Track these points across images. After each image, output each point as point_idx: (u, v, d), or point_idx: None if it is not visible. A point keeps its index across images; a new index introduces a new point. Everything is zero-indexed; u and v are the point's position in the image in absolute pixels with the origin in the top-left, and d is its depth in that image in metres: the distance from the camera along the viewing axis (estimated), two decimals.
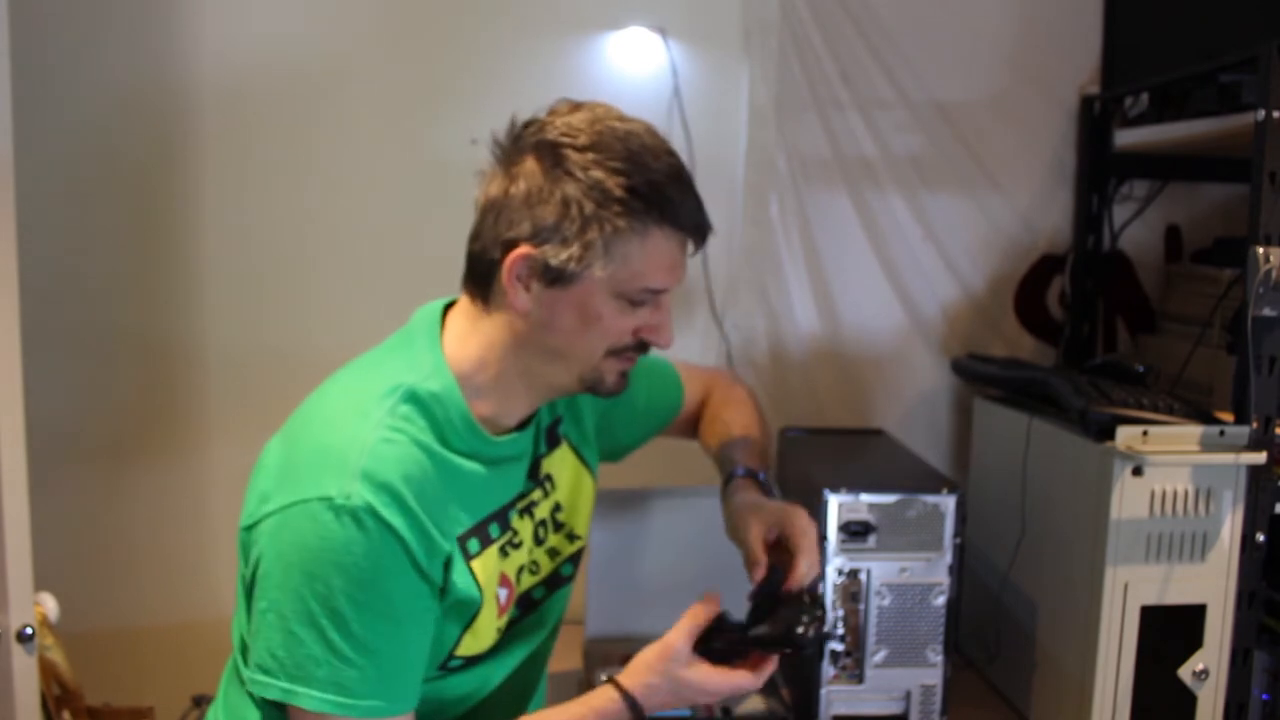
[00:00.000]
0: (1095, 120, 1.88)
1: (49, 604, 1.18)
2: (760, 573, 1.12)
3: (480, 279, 1.03)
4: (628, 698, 1.04)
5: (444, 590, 1.01)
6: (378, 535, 0.93)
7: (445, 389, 1.01)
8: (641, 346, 1.05)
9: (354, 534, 0.92)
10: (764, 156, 1.84)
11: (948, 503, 1.34)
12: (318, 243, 1.77)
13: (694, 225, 1.01)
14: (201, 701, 1.46)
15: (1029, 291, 1.95)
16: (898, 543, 1.33)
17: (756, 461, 1.27)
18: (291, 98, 1.73)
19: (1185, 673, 1.33)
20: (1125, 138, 1.84)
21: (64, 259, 1.68)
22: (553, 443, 1.19)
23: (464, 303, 1.07)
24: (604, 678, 1.07)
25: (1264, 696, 1.40)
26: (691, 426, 1.39)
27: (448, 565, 1.01)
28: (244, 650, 1.04)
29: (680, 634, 1.05)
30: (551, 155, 0.97)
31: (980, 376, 1.75)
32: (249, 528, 0.99)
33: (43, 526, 1.14)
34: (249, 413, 1.78)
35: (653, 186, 0.97)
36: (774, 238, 1.86)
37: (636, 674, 1.05)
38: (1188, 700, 1.34)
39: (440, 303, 1.10)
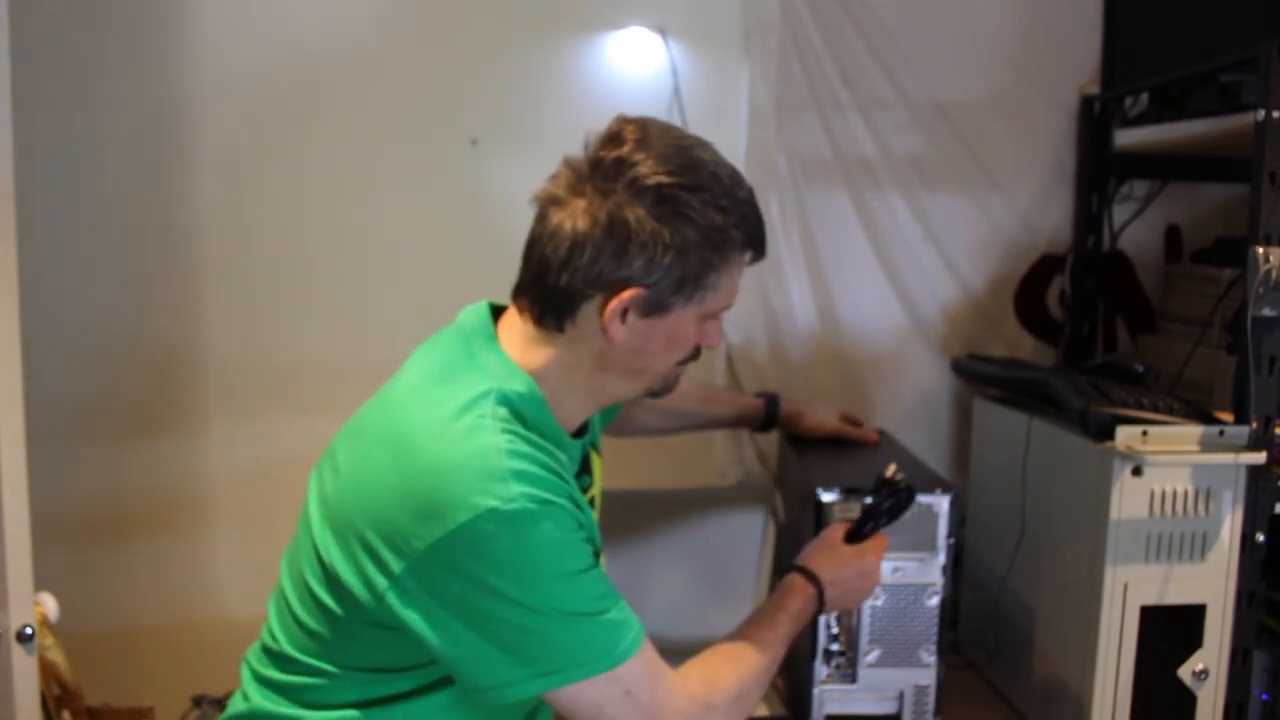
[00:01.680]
0: (1095, 120, 1.88)
1: (49, 604, 1.18)
2: (875, 436, 1.59)
3: (560, 309, 1.03)
4: (817, 584, 1.16)
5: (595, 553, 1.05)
6: (553, 517, 0.96)
7: (528, 389, 1.03)
8: (697, 353, 1.11)
9: (533, 530, 0.94)
10: (764, 156, 1.84)
11: (941, 503, 1.34)
12: (318, 242, 1.77)
13: (763, 242, 1.08)
14: (201, 701, 1.46)
15: (1029, 291, 1.95)
16: (891, 542, 1.33)
17: (742, 397, 1.56)
18: (291, 98, 1.73)
19: (1185, 673, 1.33)
20: (1125, 138, 1.84)
21: (64, 259, 1.68)
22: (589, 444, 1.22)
23: (524, 325, 1.07)
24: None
25: (1264, 696, 1.40)
26: (638, 412, 1.45)
27: (589, 531, 1.05)
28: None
29: (835, 529, 1.22)
30: (655, 195, 0.99)
31: (980, 376, 1.75)
32: (401, 575, 0.96)
33: (43, 526, 1.14)
34: (250, 413, 1.78)
35: (747, 220, 1.03)
36: (774, 238, 1.85)
37: (817, 563, 1.18)
38: (1188, 700, 1.34)
39: (484, 306, 1.11)
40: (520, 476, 0.95)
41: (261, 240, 1.75)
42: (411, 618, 0.96)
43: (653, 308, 1.02)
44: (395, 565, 0.96)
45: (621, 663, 0.98)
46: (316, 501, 1.07)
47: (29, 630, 1.08)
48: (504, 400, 1.00)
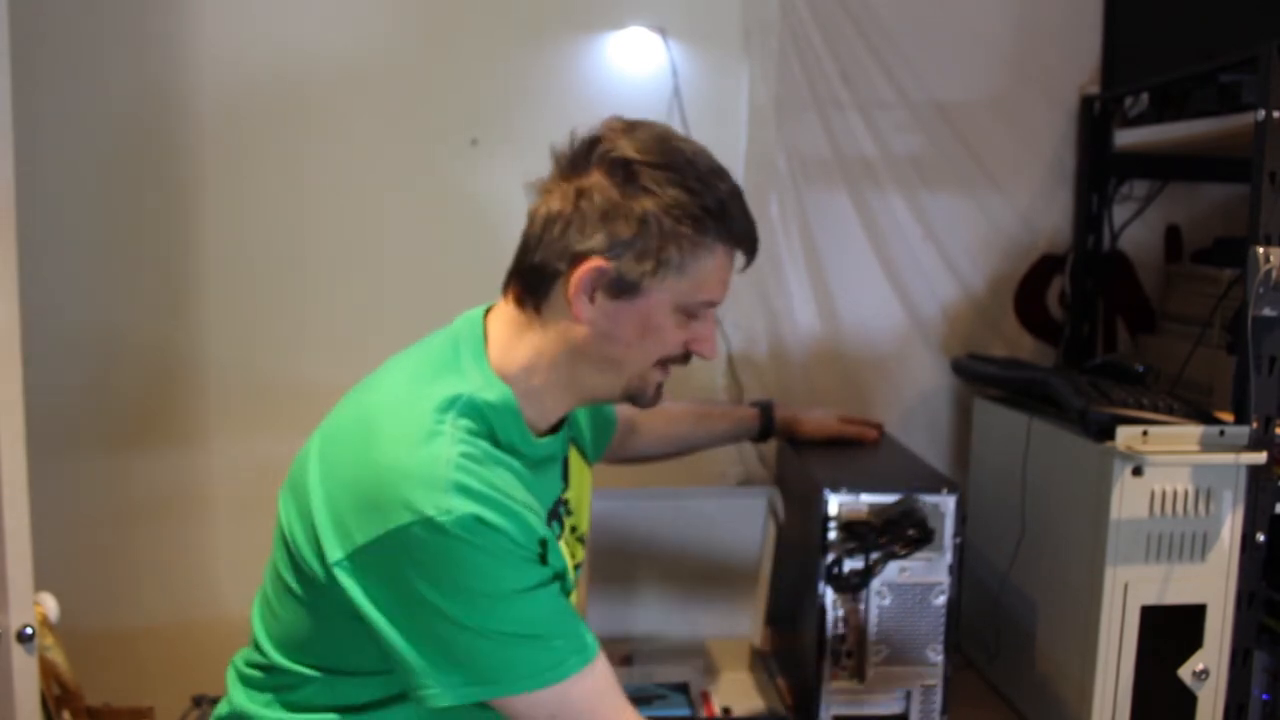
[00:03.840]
0: (1095, 120, 1.88)
1: (49, 604, 1.18)
2: (874, 433, 1.59)
3: (535, 289, 1.04)
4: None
5: (555, 574, 1.03)
6: (487, 538, 0.94)
7: (501, 399, 1.03)
8: (685, 357, 1.10)
9: (463, 547, 0.93)
10: (764, 156, 1.84)
11: (948, 502, 1.34)
12: (317, 244, 1.77)
13: (751, 242, 1.07)
14: (201, 701, 1.46)
15: (1029, 291, 1.95)
16: None
17: (736, 409, 1.57)
18: (291, 99, 1.73)
19: (1185, 673, 1.33)
20: (1125, 138, 1.84)
21: (64, 262, 1.68)
22: (569, 443, 1.22)
23: (509, 310, 1.08)
24: None
25: (1264, 696, 1.40)
26: (633, 439, 1.45)
27: (549, 550, 1.02)
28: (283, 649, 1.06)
29: None
30: (624, 171, 1.00)
31: (980, 376, 1.75)
32: (339, 561, 0.97)
33: (43, 526, 1.14)
34: (249, 414, 1.78)
35: (721, 205, 1.02)
36: (774, 238, 1.85)
37: None
38: (1188, 700, 1.34)
39: (480, 310, 1.11)
40: (463, 491, 0.94)
41: (261, 241, 1.76)
42: (358, 597, 0.97)
43: (619, 287, 1.01)
44: (338, 552, 0.97)
45: (549, 685, 0.97)
46: (288, 480, 1.08)
47: (29, 630, 1.08)
48: (471, 409, 1.00)
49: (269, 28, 1.72)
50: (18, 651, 1.07)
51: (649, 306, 1.03)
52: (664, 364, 1.09)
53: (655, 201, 0.99)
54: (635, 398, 1.10)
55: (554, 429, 1.12)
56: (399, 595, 0.96)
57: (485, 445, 1.00)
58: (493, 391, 1.03)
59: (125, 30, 1.68)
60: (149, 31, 1.69)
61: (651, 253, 1.00)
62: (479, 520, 0.94)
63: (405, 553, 0.94)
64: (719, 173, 1.04)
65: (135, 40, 1.68)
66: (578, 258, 1.01)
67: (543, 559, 1.00)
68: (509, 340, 1.07)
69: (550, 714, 0.98)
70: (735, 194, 1.04)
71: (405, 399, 1.02)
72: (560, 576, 1.04)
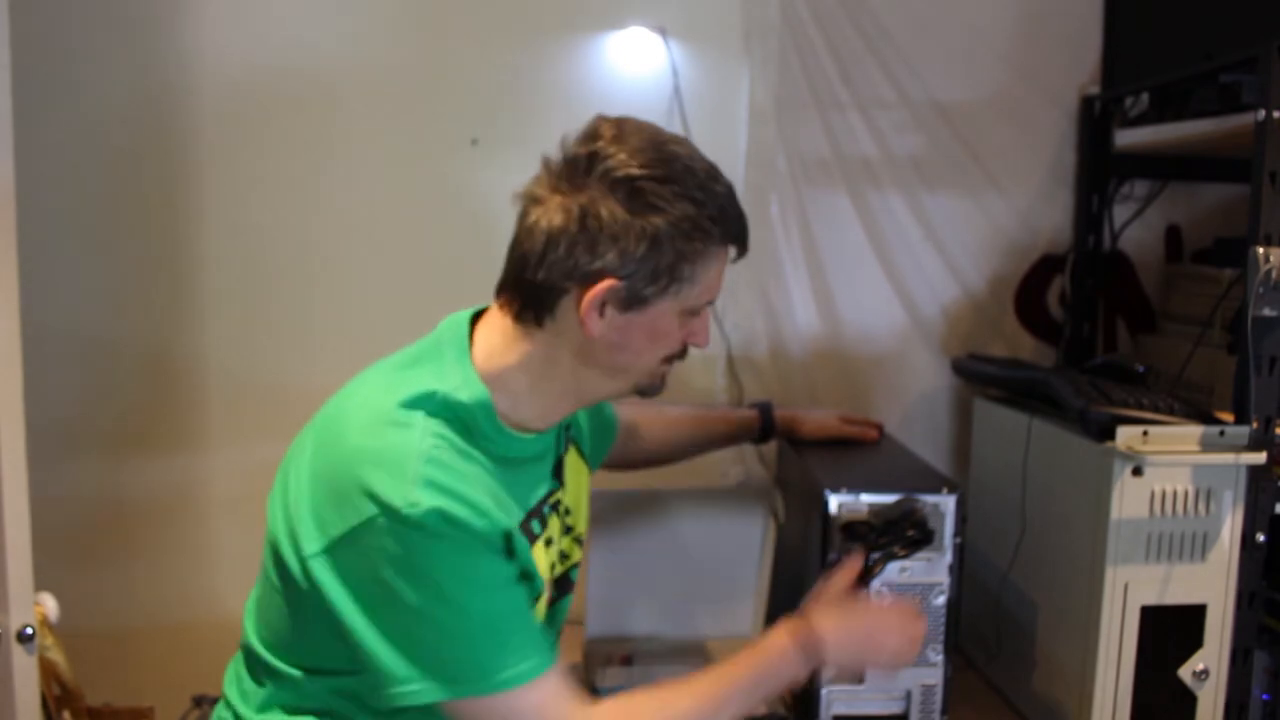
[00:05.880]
0: (1095, 120, 1.88)
1: (49, 604, 1.18)
2: (874, 433, 1.58)
3: (538, 304, 1.04)
4: (810, 636, 1.09)
5: (522, 572, 1.04)
6: (451, 538, 0.95)
7: (475, 399, 1.03)
8: (684, 352, 1.12)
9: (427, 541, 0.95)
10: (764, 156, 1.84)
11: (948, 502, 1.34)
12: (317, 245, 1.77)
13: (745, 236, 1.08)
14: (202, 702, 1.46)
15: (1029, 291, 1.95)
16: None
17: (735, 411, 1.55)
18: (291, 100, 1.73)
19: (1185, 673, 1.33)
20: (1125, 138, 1.84)
21: (64, 261, 1.68)
22: (567, 443, 1.22)
23: (502, 320, 1.08)
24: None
25: (1264, 696, 1.40)
26: (634, 445, 1.45)
27: (515, 545, 1.03)
28: (272, 648, 1.07)
29: (843, 574, 1.18)
30: (628, 188, 1.00)
31: (980, 376, 1.75)
32: (315, 555, 0.99)
33: (43, 527, 1.14)
34: (249, 415, 1.78)
35: (723, 211, 1.03)
36: (774, 238, 1.86)
37: (818, 616, 1.11)
38: (1188, 700, 1.34)
39: (467, 314, 1.12)
40: (431, 486, 0.95)
41: (261, 243, 1.75)
42: (329, 590, 0.98)
43: (630, 301, 1.02)
44: (314, 545, 0.99)
45: (500, 691, 0.97)
46: (276, 478, 1.10)
47: (29, 630, 1.08)
48: (445, 407, 1.01)
49: (268, 30, 1.72)
50: (18, 651, 1.07)
51: (659, 315, 1.05)
52: (669, 360, 1.11)
53: (665, 219, 1.00)
54: (643, 392, 1.12)
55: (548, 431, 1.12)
56: (367, 588, 0.97)
57: (456, 440, 1.01)
58: (468, 391, 1.03)
59: (125, 32, 1.68)
60: (149, 33, 1.69)
61: (665, 270, 1.01)
62: (444, 515, 0.95)
63: (375, 545, 0.95)
64: (713, 174, 1.04)
65: (135, 41, 1.68)
66: (589, 277, 1.01)
67: (508, 552, 1.00)
68: (499, 347, 1.07)
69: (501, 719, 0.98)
70: (730, 193, 1.05)
71: (380, 392, 1.03)
72: (529, 576, 1.05)
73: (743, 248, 1.09)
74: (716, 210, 1.02)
